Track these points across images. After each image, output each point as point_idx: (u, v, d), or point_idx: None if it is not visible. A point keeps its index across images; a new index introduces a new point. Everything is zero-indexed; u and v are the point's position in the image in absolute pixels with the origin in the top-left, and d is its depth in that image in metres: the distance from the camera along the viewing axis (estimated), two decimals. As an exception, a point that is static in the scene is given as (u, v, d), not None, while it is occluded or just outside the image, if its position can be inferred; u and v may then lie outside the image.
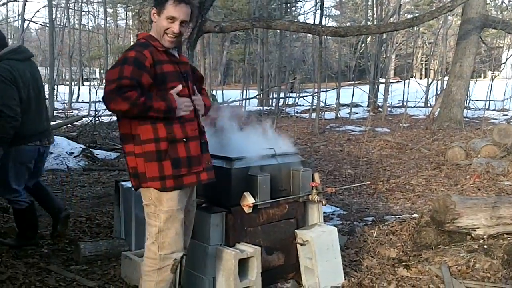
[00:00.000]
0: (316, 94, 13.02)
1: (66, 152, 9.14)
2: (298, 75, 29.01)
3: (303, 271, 3.76)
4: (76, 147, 9.35)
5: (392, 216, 5.68)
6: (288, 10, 34.04)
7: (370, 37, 24.69)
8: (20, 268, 3.91)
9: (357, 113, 20.19)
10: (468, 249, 4.11)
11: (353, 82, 24.07)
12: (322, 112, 17.82)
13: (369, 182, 5.19)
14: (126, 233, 4.47)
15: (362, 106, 22.52)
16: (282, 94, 25.93)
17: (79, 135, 11.03)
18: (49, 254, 4.43)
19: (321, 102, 17.92)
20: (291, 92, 27.48)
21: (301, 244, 3.72)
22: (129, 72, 2.69)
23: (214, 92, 21.91)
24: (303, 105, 22.50)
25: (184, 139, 2.89)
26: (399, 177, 7.81)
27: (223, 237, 3.49)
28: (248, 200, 3.44)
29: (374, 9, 25.63)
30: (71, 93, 22.64)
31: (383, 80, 22.91)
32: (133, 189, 3.01)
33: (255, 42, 27.82)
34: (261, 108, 19.84)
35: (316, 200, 3.72)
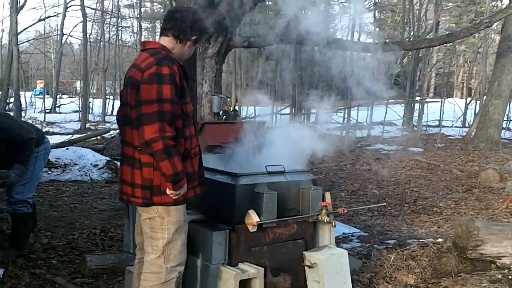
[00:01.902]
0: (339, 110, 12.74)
1: (91, 164, 9.19)
2: (333, 91, 28.77)
3: (311, 295, 3.57)
4: (101, 159, 9.40)
5: (415, 240, 5.41)
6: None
7: (407, 55, 24.28)
8: (24, 279, 3.86)
9: (390, 131, 19.78)
10: (491, 279, 3.83)
11: (387, 100, 23.60)
12: (353, 130, 17.59)
13: (384, 204, 4.95)
14: (135, 247, 4.36)
15: (396, 125, 22.09)
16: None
17: (105, 147, 11.10)
18: (58, 265, 4.38)
19: (353, 120, 17.77)
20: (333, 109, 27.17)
21: (309, 267, 3.53)
22: (168, 92, 2.72)
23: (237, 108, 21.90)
24: (336, 122, 22.24)
25: (193, 155, 2.96)
26: (427, 199, 7.50)
27: (226, 256, 3.34)
28: (253, 219, 3.28)
29: (412, 26, 25.23)
30: (104, 106, 23.02)
31: (418, 99, 22.49)
32: (141, 203, 2.90)
33: (288, 58, 27.75)
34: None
35: (325, 221, 3.53)
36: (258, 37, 11.21)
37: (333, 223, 3.51)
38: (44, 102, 26.19)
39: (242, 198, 3.35)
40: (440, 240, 5.07)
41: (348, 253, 4.91)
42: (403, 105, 22.67)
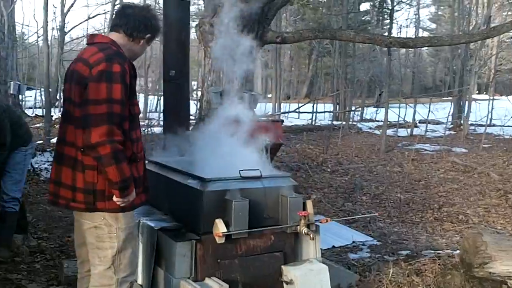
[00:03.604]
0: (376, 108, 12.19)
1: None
2: (384, 89, 27.85)
3: (289, 314, 3.23)
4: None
5: (432, 251, 4.96)
6: (380, 22, 33.22)
7: (458, 50, 23.22)
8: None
9: (436, 130, 18.90)
10: (500, 302, 3.38)
11: (432, 97, 22.62)
12: (396, 128, 16.90)
13: (377, 214, 4.51)
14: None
15: (443, 123, 21.12)
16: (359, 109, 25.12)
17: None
18: (39, 270, 4.23)
19: (400, 118, 17.06)
20: (377, 106, 26.40)
21: (287, 283, 3.20)
22: (118, 92, 2.50)
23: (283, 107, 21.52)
24: (380, 121, 21.51)
25: (139, 159, 2.75)
26: (454, 205, 6.95)
27: (192, 269, 3.05)
28: (219, 229, 2.98)
29: (463, 20, 24.17)
30: (146, 103, 23.17)
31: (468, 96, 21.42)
32: (83, 209, 2.65)
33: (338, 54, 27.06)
34: (333, 122, 19.10)
35: (304, 233, 3.17)
36: (292, 33, 10.82)
37: (311, 236, 3.15)
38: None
39: (210, 205, 3.07)
40: (458, 252, 4.62)
41: (351, 265, 4.58)
42: (451, 103, 21.70)
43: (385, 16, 32.42)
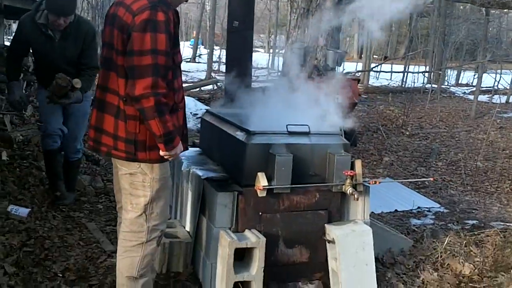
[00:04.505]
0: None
1: (191, 112, 9.30)
2: (489, 54, 26.04)
3: (331, 273, 3.18)
4: (201, 109, 9.45)
5: (502, 223, 4.68)
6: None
7: None
8: (51, 221, 3.92)
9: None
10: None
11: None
12: (491, 95, 15.85)
13: (431, 179, 4.22)
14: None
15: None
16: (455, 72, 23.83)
17: (211, 97, 11.16)
18: (101, 211, 4.42)
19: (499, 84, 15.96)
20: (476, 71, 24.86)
21: (329, 241, 3.13)
22: (164, 42, 2.42)
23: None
24: (471, 86, 20.25)
25: (179, 109, 2.71)
26: (538, 176, 6.47)
27: (232, 220, 3.06)
28: (261, 182, 2.95)
29: None
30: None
31: None
32: (123, 157, 2.64)
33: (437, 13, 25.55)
34: (426, 85, 18.22)
35: (349, 193, 3.07)
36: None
37: (355, 196, 3.04)
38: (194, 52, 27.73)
39: (253, 158, 3.04)
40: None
41: (411, 231, 4.41)
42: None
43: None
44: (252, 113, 3.78)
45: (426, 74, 19.58)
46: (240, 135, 3.15)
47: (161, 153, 2.55)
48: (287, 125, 3.12)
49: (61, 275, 3.23)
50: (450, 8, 25.05)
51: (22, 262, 3.20)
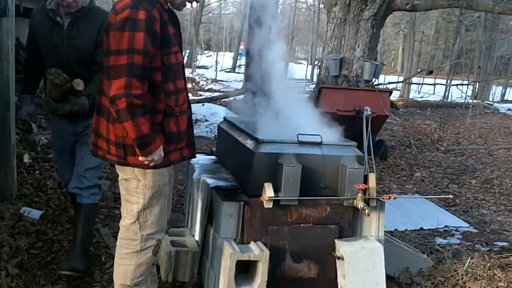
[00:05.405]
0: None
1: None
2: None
3: (340, 291, 3.03)
4: (231, 118, 9.39)
5: (535, 246, 4.40)
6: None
7: None
8: (63, 225, 3.91)
9: None
10: None
11: None
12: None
13: (451, 196, 3.98)
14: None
15: None
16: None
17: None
18: (117, 216, 4.34)
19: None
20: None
21: (338, 258, 2.99)
22: (141, 42, 2.30)
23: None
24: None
25: (178, 113, 2.58)
26: None
27: (238, 231, 2.96)
28: (267, 193, 2.84)
29: None
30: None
31: None
32: (116, 162, 2.58)
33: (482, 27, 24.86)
34: (468, 100, 17.70)
35: (360, 207, 2.92)
36: (424, 0, 10.13)
37: (366, 211, 2.89)
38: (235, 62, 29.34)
39: (260, 167, 2.93)
40: None
41: (435, 250, 4.20)
42: None
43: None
44: (269, 122, 3.68)
45: (470, 87, 19.13)
46: (249, 144, 3.06)
47: (140, 158, 2.43)
48: (297, 135, 3.00)
49: (64, 279, 3.19)
50: (496, 21, 24.35)
51: (26, 264, 3.18)
